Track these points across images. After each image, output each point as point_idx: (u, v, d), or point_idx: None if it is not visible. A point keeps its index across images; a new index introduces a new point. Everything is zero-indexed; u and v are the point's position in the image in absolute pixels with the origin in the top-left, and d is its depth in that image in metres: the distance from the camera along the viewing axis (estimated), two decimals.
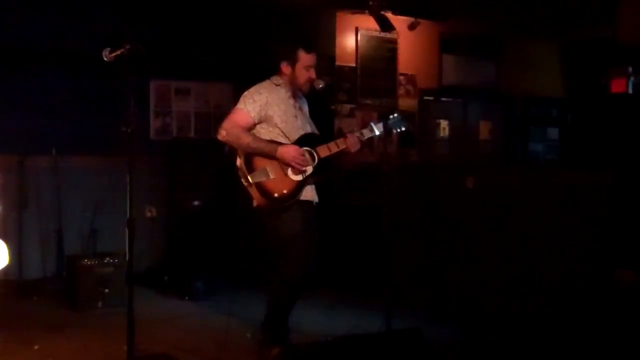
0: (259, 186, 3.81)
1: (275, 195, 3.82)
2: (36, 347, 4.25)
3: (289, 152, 3.83)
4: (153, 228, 6.45)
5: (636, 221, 4.30)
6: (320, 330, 4.59)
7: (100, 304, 5.23)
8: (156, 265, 6.26)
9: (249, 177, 3.81)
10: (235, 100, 4.06)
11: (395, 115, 4.16)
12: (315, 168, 3.93)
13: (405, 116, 4.26)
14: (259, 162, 3.84)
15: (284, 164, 3.85)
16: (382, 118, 4.11)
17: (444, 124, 8.53)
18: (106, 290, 5.25)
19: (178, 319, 5.01)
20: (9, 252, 4.05)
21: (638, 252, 4.25)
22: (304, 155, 3.88)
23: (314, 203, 4.04)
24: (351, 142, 4.01)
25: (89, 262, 5.30)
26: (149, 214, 6.45)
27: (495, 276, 4.95)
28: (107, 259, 5.36)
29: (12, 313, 5.01)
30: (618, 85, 5.25)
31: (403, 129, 4.16)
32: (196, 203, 6.16)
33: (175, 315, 5.13)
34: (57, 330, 4.64)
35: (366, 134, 4.09)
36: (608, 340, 4.10)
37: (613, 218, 4.40)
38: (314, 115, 4.27)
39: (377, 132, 4.08)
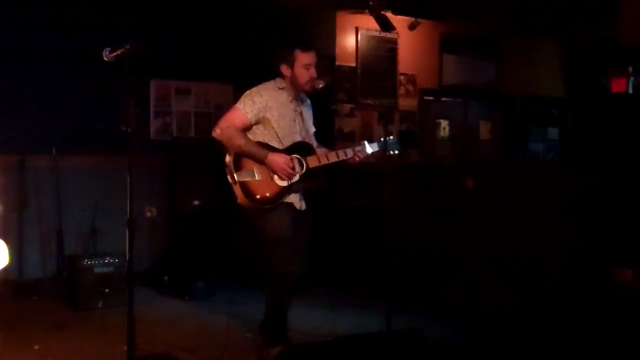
0: (243, 185, 3.83)
1: (258, 197, 3.84)
2: (36, 347, 4.25)
3: (278, 162, 3.85)
4: (153, 228, 6.45)
5: (636, 221, 4.30)
6: (320, 330, 4.58)
7: (100, 304, 5.23)
8: (156, 265, 6.25)
9: (235, 175, 3.83)
10: (235, 100, 4.06)
11: (391, 137, 4.17)
12: (302, 176, 3.95)
13: (402, 138, 4.29)
14: (248, 162, 3.86)
15: (272, 170, 3.87)
16: (384, 122, 4.16)
17: (444, 124, 8.55)
18: (106, 290, 5.24)
19: (178, 319, 5.01)
20: (9, 252, 4.05)
21: (637, 251, 4.25)
22: (291, 166, 3.90)
23: (302, 210, 4.04)
24: (355, 157, 4.09)
25: (89, 262, 5.30)
26: (149, 214, 6.45)
27: (495, 276, 4.95)
28: (107, 259, 5.35)
29: (12, 313, 5.00)
30: (618, 85, 5.25)
31: (396, 152, 4.18)
32: (196, 203, 6.17)
33: (175, 315, 5.13)
34: (57, 330, 4.64)
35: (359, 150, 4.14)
36: (607, 340, 4.10)
37: (612, 218, 4.40)
38: (314, 115, 4.27)
39: (369, 151, 4.13)
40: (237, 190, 3.85)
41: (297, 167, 3.94)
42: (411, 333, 3.85)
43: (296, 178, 3.92)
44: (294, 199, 3.99)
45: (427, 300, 5.31)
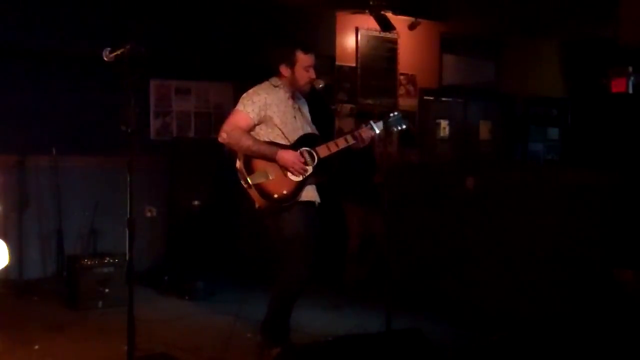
0: (259, 188, 3.81)
1: (275, 196, 3.82)
2: (36, 347, 4.25)
3: (288, 157, 3.83)
4: (153, 228, 6.45)
5: (636, 221, 4.30)
6: (320, 330, 4.59)
7: (100, 303, 5.23)
8: (156, 265, 6.26)
9: (248, 179, 3.80)
10: (235, 100, 4.05)
11: (396, 113, 4.14)
12: (315, 168, 3.92)
13: (405, 115, 4.23)
14: (259, 163, 3.84)
15: (283, 167, 3.85)
16: (383, 115, 4.09)
17: (444, 124, 8.54)
18: (106, 290, 5.24)
19: (178, 319, 5.01)
20: (9, 252, 4.06)
21: (638, 252, 4.25)
22: (302, 159, 3.88)
23: (316, 203, 4.03)
24: (363, 138, 4.00)
25: (89, 262, 5.30)
26: (149, 214, 6.45)
27: (495, 276, 4.95)
28: (107, 259, 5.36)
29: (12, 313, 5.01)
30: (618, 85, 5.24)
31: (403, 127, 4.13)
32: (196, 203, 6.16)
33: (175, 315, 5.13)
34: (57, 330, 4.64)
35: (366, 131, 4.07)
36: (608, 340, 4.10)
37: (613, 218, 4.40)
38: (314, 115, 4.26)
39: (376, 130, 4.05)
40: (253, 193, 3.83)
41: (309, 160, 3.91)
42: (411, 333, 3.85)
43: (310, 170, 3.90)
44: (312, 193, 3.97)
45: (427, 300, 5.31)
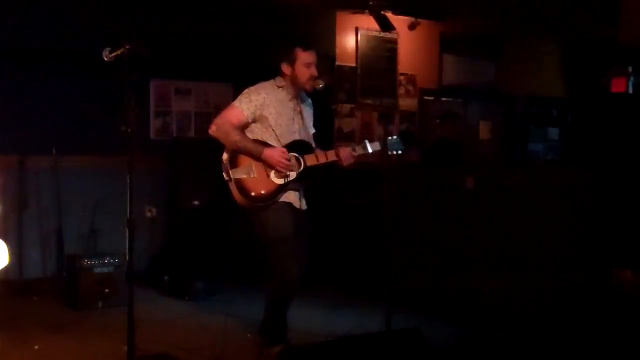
0: (238, 183, 3.82)
1: (252, 194, 3.82)
2: (36, 347, 4.26)
3: (274, 155, 3.82)
4: (153, 228, 6.45)
5: (635, 221, 4.31)
6: (320, 330, 4.58)
7: (100, 303, 5.23)
8: (156, 265, 6.25)
9: (230, 172, 3.83)
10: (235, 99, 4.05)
11: (395, 137, 4.13)
12: (299, 175, 3.92)
13: (404, 138, 4.19)
14: (245, 159, 3.85)
15: (268, 166, 3.85)
16: (384, 122, 4.11)
17: None
18: (106, 290, 5.25)
19: (178, 319, 5.01)
20: (9, 252, 4.05)
21: (637, 251, 4.25)
22: (289, 159, 3.87)
23: (302, 209, 4.02)
24: (344, 155, 4.00)
25: (89, 262, 5.30)
26: (149, 214, 6.45)
27: (495, 276, 4.95)
28: (107, 259, 5.36)
29: (12, 313, 5.01)
30: (618, 85, 5.25)
31: (399, 152, 4.11)
32: (196, 203, 6.16)
33: (175, 315, 5.13)
34: (57, 330, 4.64)
35: (358, 150, 4.07)
36: (607, 340, 4.10)
37: (612, 218, 4.40)
38: (314, 115, 4.25)
39: (370, 150, 4.06)
40: (233, 187, 3.85)
41: (295, 165, 3.91)
42: (411, 333, 3.85)
43: (293, 176, 3.90)
44: (293, 198, 3.97)
45: (427, 300, 5.31)
